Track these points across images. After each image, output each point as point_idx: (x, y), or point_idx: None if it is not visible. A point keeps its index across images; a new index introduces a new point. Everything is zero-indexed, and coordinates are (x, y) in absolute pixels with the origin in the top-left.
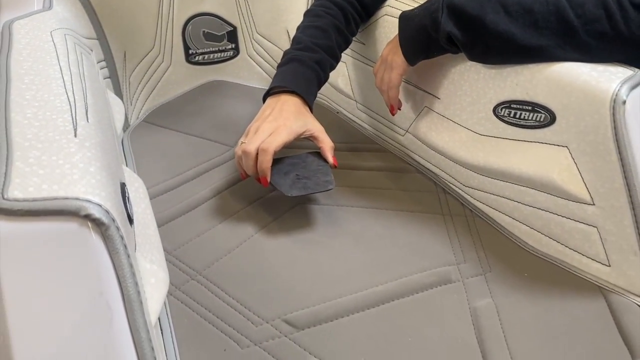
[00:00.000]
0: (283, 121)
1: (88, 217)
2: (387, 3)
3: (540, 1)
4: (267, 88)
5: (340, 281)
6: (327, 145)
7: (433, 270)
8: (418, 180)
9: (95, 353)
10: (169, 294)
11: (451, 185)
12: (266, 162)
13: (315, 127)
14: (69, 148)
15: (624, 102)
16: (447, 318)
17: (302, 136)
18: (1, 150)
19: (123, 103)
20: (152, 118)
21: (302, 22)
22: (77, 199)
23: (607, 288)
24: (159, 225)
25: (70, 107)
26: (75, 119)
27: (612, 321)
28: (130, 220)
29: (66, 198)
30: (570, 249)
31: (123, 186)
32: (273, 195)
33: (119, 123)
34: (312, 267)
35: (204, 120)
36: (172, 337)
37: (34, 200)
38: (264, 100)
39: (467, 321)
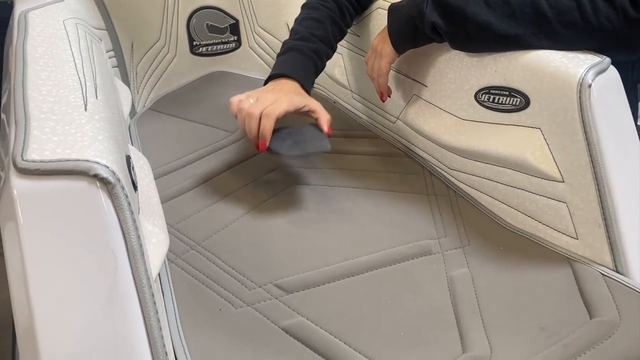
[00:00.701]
0: (284, 93)
1: (96, 177)
2: None
3: None
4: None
5: (328, 252)
6: (323, 116)
7: (415, 243)
8: (406, 164)
9: (101, 295)
10: (170, 261)
11: (437, 168)
12: (269, 126)
13: (313, 103)
14: (80, 120)
15: (590, 86)
16: (425, 285)
17: (301, 110)
18: (20, 121)
19: (130, 91)
20: (157, 106)
21: (300, 15)
22: (87, 160)
23: (574, 258)
24: (162, 202)
25: (81, 86)
26: (86, 96)
27: (575, 287)
28: (135, 187)
29: (77, 160)
30: (542, 224)
31: (128, 158)
32: (269, 177)
33: (126, 109)
34: (303, 239)
35: (207, 108)
36: (172, 297)
37: (50, 161)
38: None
39: (444, 288)
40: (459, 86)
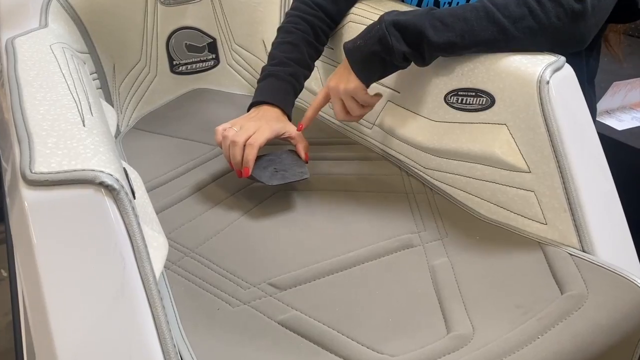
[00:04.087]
0: (265, 121)
1: (102, 184)
2: (351, 11)
3: (469, 9)
4: (246, 94)
5: (317, 250)
6: (301, 143)
7: (397, 237)
8: (384, 166)
9: (112, 294)
10: (166, 268)
11: (413, 168)
12: (252, 155)
13: (292, 129)
14: (80, 134)
15: (548, 82)
16: (409, 275)
17: (281, 137)
18: (23, 139)
19: (114, 111)
20: (141, 125)
21: (276, 39)
22: (92, 170)
23: (544, 242)
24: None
25: (77, 104)
26: (82, 113)
27: (546, 267)
28: (134, 195)
29: (83, 170)
30: (514, 213)
31: (125, 171)
32: (255, 186)
33: (113, 128)
34: (292, 240)
35: (190, 124)
36: (170, 300)
37: (57, 172)
38: (247, 111)
39: (426, 276)
40: (430, 91)
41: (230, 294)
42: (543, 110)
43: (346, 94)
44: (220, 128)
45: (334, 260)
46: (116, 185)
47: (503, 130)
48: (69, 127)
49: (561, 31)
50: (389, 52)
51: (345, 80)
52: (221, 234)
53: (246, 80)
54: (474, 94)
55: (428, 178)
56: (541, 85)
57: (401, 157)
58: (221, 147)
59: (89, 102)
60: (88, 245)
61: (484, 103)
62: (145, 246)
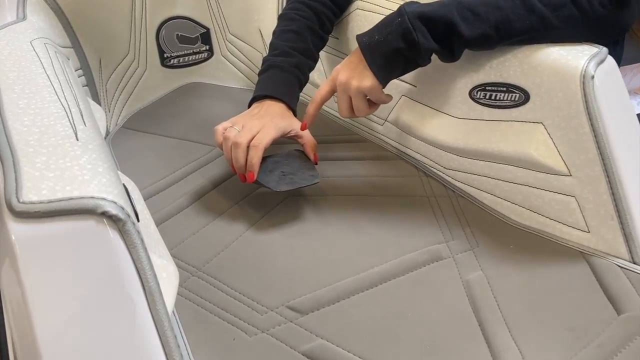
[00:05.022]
0: (270, 119)
1: (105, 214)
2: None
3: None
4: (243, 87)
5: (337, 266)
6: (309, 143)
7: (424, 249)
8: (399, 166)
9: (122, 345)
10: None
11: (432, 168)
12: (256, 157)
13: (299, 127)
14: (74, 151)
15: (592, 77)
16: (442, 292)
17: (287, 135)
18: (6, 158)
19: (103, 110)
20: (131, 123)
21: (277, 27)
22: (92, 197)
23: (588, 252)
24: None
25: (67, 113)
26: (74, 123)
27: (595, 281)
28: (137, 218)
29: (81, 197)
30: (551, 219)
31: (125, 187)
32: (261, 192)
33: (102, 130)
34: (308, 254)
35: (184, 122)
36: (180, 332)
37: (50, 201)
38: (249, 107)
39: (461, 293)
40: (452, 85)
41: (246, 320)
42: (587, 108)
43: (358, 93)
44: (220, 128)
45: (357, 277)
46: (121, 215)
47: (539, 129)
48: (60, 141)
49: (605, 20)
50: (414, 49)
51: (359, 77)
52: (229, 250)
53: (243, 73)
54: (504, 89)
55: (449, 179)
56: (585, 80)
57: (417, 156)
58: (222, 149)
59: (79, 109)
60: (90, 288)
61: (516, 99)
62: (158, 284)
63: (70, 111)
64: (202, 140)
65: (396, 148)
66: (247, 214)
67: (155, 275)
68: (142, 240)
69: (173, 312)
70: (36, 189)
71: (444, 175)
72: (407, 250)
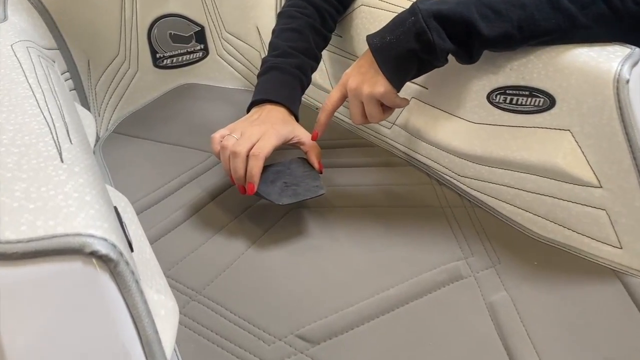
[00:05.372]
0: (271, 125)
1: (94, 254)
2: None
3: None
4: (240, 88)
5: (348, 287)
6: (313, 150)
7: (442, 267)
8: (410, 173)
9: None
10: None
11: (445, 176)
12: (257, 167)
13: (302, 133)
14: (58, 176)
15: (627, 82)
16: (466, 316)
17: (290, 142)
18: None
19: (92, 116)
20: (122, 128)
21: (277, 25)
22: (78, 234)
23: (621, 270)
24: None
25: (50, 129)
26: (58, 142)
27: (631, 303)
28: (131, 249)
29: (66, 235)
30: (578, 233)
31: (116, 210)
32: (262, 204)
33: (92, 137)
34: (315, 274)
35: (179, 126)
36: None
37: (29, 240)
38: (247, 112)
39: (486, 317)
40: (468, 87)
41: (252, 352)
42: (622, 115)
43: (371, 99)
44: (217, 136)
45: (372, 301)
46: (113, 255)
47: (566, 137)
48: (43, 164)
49: (638, 17)
50: (430, 50)
51: (371, 82)
52: (230, 270)
53: (240, 73)
54: (527, 92)
55: (465, 187)
56: (619, 84)
57: (429, 162)
58: (219, 159)
59: (65, 123)
60: (80, 341)
61: (540, 104)
62: (156, 331)
63: (54, 126)
64: (198, 145)
65: (405, 153)
66: (248, 229)
67: (153, 322)
68: (137, 282)
69: (174, 349)
70: (14, 224)
71: (458, 184)
72: (423, 269)
